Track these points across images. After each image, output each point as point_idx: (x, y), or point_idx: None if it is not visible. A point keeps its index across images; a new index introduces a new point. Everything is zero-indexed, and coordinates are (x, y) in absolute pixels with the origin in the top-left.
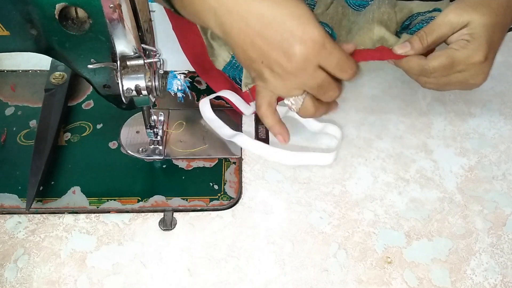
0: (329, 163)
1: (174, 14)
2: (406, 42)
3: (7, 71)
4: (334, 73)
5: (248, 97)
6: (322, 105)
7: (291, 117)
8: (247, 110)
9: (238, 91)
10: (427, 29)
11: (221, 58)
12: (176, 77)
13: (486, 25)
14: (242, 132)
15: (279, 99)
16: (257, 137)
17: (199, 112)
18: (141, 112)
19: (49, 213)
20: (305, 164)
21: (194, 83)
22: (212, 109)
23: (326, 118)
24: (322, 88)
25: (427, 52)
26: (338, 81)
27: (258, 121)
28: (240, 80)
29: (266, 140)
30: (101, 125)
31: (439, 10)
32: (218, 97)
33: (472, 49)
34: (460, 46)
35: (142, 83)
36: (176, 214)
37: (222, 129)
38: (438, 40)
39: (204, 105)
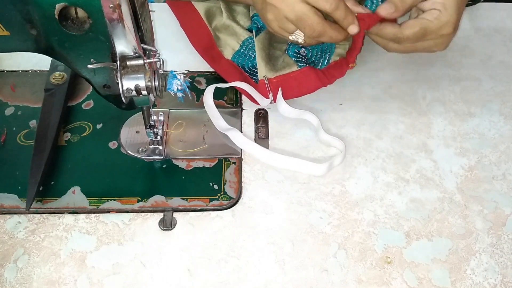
0: (321, 174)
1: (181, 10)
2: (390, 4)
3: (7, 71)
4: (314, 3)
5: (264, 87)
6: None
7: (289, 120)
8: (262, 101)
9: (248, 80)
10: None
11: (230, 47)
12: (176, 77)
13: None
14: (242, 132)
15: None
16: (257, 138)
17: (199, 112)
18: (141, 112)
19: (49, 213)
20: (294, 169)
21: (194, 83)
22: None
23: (326, 117)
24: (302, 21)
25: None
26: (333, 23)
27: (258, 121)
28: (249, 69)
29: (266, 140)
30: (101, 125)
31: None
32: (220, 97)
33: (444, 21)
34: (433, 17)
35: (142, 83)
36: (176, 214)
37: (218, 120)
38: (413, 4)
39: (208, 91)
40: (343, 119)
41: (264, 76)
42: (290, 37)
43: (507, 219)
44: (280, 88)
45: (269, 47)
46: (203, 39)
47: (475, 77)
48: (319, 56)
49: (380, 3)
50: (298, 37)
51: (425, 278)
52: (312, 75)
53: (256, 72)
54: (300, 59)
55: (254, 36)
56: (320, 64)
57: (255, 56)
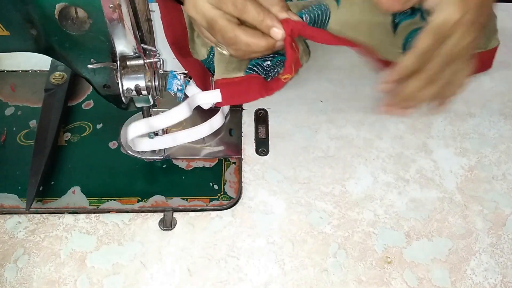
0: (186, 115)
1: (166, 3)
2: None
3: (7, 71)
4: (221, 8)
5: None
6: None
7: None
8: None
9: (208, 81)
10: None
11: (200, 54)
12: (176, 77)
13: None
14: (242, 132)
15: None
16: (257, 138)
17: (199, 112)
18: (141, 112)
19: (49, 213)
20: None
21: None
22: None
23: (326, 117)
24: (212, 28)
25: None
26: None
27: (258, 121)
28: (212, 73)
29: (266, 141)
30: (101, 125)
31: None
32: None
33: (444, 10)
34: (434, 14)
35: (142, 83)
36: (176, 214)
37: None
38: None
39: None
40: (343, 119)
41: (211, 77)
42: (218, 49)
43: (507, 219)
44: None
45: None
46: (177, 34)
47: (475, 77)
48: (275, 66)
49: (316, 11)
50: (222, 47)
51: (425, 278)
52: (254, 84)
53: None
54: (254, 69)
55: None
56: (271, 76)
57: None
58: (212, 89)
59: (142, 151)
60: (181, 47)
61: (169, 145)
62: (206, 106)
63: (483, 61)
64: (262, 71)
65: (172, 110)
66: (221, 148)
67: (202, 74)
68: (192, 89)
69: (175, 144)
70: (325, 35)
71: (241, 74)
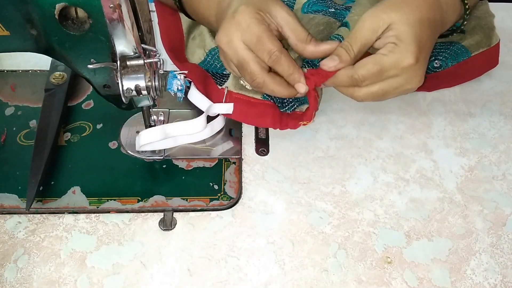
0: (201, 129)
1: (164, 8)
2: (334, 56)
3: (7, 71)
4: (255, 51)
5: (221, 94)
6: (268, 83)
7: None
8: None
9: (210, 81)
10: (350, 38)
11: (197, 56)
12: (176, 77)
13: (410, 23)
14: (242, 132)
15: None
16: (257, 138)
17: (199, 112)
18: (141, 112)
19: (49, 213)
20: (179, 136)
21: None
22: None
23: (326, 117)
24: (242, 68)
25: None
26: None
27: None
28: (213, 74)
29: (266, 141)
30: (101, 125)
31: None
32: None
33: (401, 52)
34: (388, 51)
35: (142, 83)
36: (176, 214)
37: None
38: (363, 48)
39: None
40: (343, 119)
41: (226, 87)
42: (240, 81)
43: (507, 219)
44: (232, 104)
45: None
46: (174, 40)
47: (480, 77)
48: (290, 99)
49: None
50: (246, 83)
51: (425, 278)
52: (269, 113)
53: (220, 78)
54: (272, 96)
55: None
56: (287, 108)
57: (220, 65)
58: (218, 93)
59: (142, 151)
60: (178, 53)
61: (169, 146)
62: (212, 113)
63: (489, 58)
64: (279, 100)
65: (189, 122)
66: (221, 148)
67: (202, 78)
68: (194, 94)
69: (176, 145)
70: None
71: (258, 97)
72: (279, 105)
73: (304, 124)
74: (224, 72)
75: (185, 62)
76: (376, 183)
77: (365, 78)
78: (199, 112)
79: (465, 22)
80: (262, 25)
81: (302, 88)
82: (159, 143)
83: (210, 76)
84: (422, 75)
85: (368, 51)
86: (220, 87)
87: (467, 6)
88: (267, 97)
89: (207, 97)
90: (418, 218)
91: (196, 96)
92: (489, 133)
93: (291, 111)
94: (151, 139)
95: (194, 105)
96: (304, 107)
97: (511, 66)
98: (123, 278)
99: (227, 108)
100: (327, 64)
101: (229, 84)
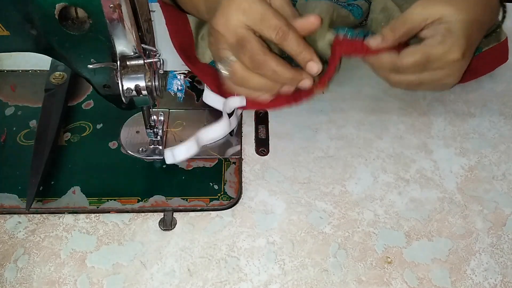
0: (228, 129)
1: (169, 8)
2: (377, 36)
3: (7, 71)
4: (259, 30)
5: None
6: (255, 75)
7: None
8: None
9: (222, 83)
10: (398, 20)
11: (207, 56)
12: (176, 77)
13: (463, 21)
14: (242, 132)
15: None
16: (257, 138)
17: (199, 112)
18: (141, 112)
19: (49, 213)
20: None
21: (194, 83)
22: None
23: (326, 117)
24: (241, 46)
25: (399, 47)
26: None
27: (258, 121)
28: None
29: (266, 141)
30: (101, 125)
31: None
32: None
33: (450, 45)
34: (437, 42)
35: (142, 83)
36: (176, 214)
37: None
38: (409, 31)
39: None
40: (343, 119)
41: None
42: (218, 65)
43: (507, 219)
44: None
45: None
46: (184, 41)
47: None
48: None
49: (357, 35)
50: (224, 66)
51: (425, 278)
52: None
53: None
54: None
55: None
56: None
57: None
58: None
59: (142, 151)
60: (189, 54)
61: (196, 151)
62: (229, 110)
63: (500, 53)
64: None
65: (217, 125)
66: (221, 148)
67: (215, 77)
68: (209, 95)
69: (199, 149)
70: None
71: None
72: None
73: (319, 92)
74: None
75: (196, 62)
76: (376, 183)
77: (409, 67)
78: (198, 111)
79: (501, 25)
80: (264, 3)
81: (314, 67)
82: (188, 153)
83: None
84: (462, 72)
85: (406, 43)
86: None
87: (505, 9)
88: None
89: (221, 95)
90: (418, 218)
91: (210, 97)
92: (489, 133)
93: None
94: (188, 154)
95: (194, 105)
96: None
97: (511, 66)
98: (123, 278)
99: (240, 100)
100: (370, 43)
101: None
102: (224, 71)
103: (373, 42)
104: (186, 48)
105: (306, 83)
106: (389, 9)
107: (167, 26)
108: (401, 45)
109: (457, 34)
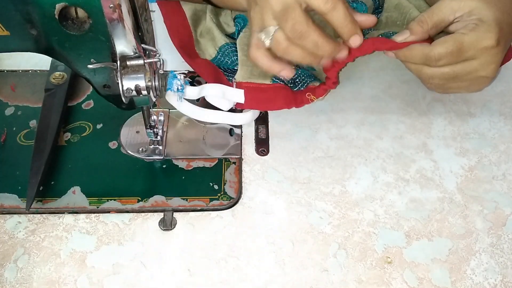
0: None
1: (167, 7)
2: (405, 29)
3: (7, 71)
4: (310, 2)
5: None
6: (297, 47)
7: None
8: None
9: (222, 77)
10: (426, 13)
11: (207, 53)
12: (176, 77)
13: (494, 13)
14: (242, 132)
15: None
16: (257, 138)
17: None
18: (141, 112)
19: (49, 213)
20: (221, 121)
21: (194, 83)
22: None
23: (326, 117)
24: (286, 13)
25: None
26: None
27: (258, 121)
28: (224, 69)
29: (266, 141)
30: (101, 125)
31: None
32: None
33: (483, 31)
34: (469, 30)
35: (142, 83)
36: (176, 214)
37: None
38: (439, 23)
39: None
40: (343, 119)
41: (234, 79)
42: (261, 36)
43: (507, 219)
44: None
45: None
46: (183, 38)
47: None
48: (302, 77)
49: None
50: (267, 36)
51: (425, 278)
52: (280, 95)
53: (232, 73)
54: (280, 79)
55: (236, 36)
56: (300, 85)
57: (231, 62)
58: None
59: (142, 151)
60: (188, 50)
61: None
62: (227, 107)
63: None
64: (291, 80)
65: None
66: (221, 148)
67: (214, 74)
68: (208, 87)
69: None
70: (391, 42)
71: (268, 82)
72: (291, 85)
73: (315, 99)
74: (235, 68)
75: (196, 58)
76: (376, 183)
77: (441, 57)
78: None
79: None
80: None
81: (357, 40)
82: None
83: (222, 72)
84: (499, 63)
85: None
86: (231, 80)
87: None
88: (276, 80)
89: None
90: (418, 218)
91: (210, 89)
92: (489, 133)
93: (305, 87)
94: (192, 113)
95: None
96: (317, 82)
97: (511, 66)
98: (123, 278)
99: (239, 93)
100: (397, 38)
101: (237, 77)
102: (266, 41)
103: (400, 37)
104: (185, 44)
105: (343, 53)
106: (404, 7)
107: (165, 22)
108: (430, 40)
109: (488, 21)
